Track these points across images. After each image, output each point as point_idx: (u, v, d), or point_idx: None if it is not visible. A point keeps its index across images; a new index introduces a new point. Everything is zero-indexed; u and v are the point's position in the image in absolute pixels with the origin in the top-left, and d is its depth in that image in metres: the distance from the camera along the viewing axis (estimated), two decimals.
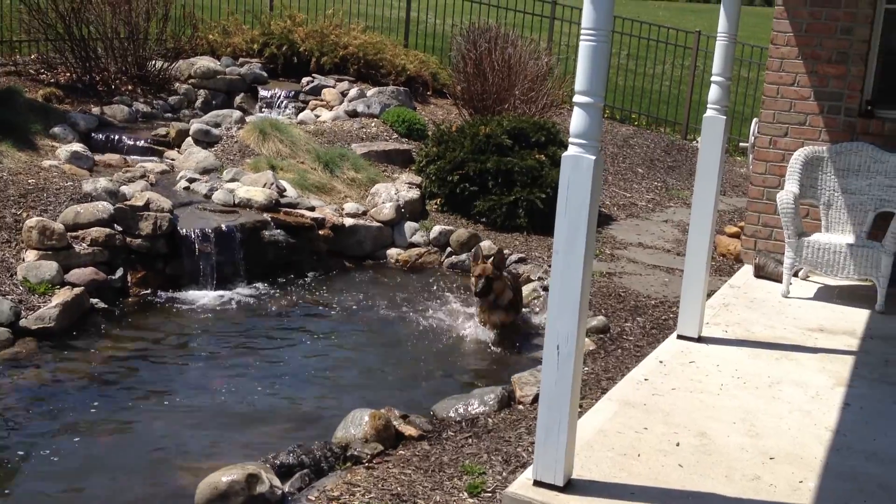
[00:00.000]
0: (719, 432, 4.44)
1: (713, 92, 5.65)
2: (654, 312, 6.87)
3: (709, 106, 5.66)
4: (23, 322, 6.04)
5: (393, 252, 8.58)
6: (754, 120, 8.09)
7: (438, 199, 9.35)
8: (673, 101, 14.81)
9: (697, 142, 11.40)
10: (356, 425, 4.61)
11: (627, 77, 15.15)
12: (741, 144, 12.57)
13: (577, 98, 3.51)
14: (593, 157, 3.50)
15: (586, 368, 5.57)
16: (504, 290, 6.61)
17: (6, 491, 4.26)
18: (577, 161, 3.52)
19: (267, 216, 7.91)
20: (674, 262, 8.34)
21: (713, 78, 5.65)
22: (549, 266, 7.57)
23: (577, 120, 3.53)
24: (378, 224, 8.65)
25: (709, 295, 6.41)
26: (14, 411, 5.07)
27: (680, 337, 5.74)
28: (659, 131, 14.43)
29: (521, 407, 5.14)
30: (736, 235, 8.72)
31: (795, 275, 7.20)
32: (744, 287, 7.07)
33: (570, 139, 3.54)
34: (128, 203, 7.31)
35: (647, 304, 7.06)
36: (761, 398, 4.91)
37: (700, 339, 5.72)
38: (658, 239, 9.29)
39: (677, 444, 4.27)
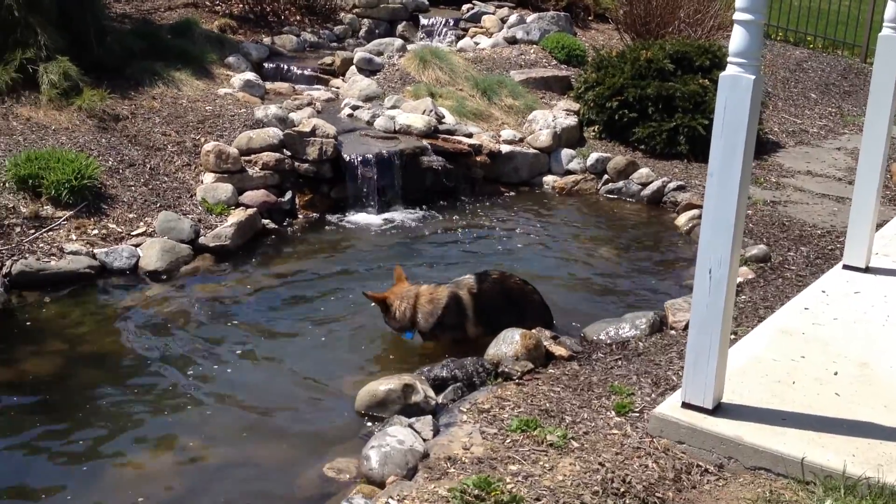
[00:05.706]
0: (882, 363, 4.30)
1: (890, 9, 5.31)
2: (820, 242, 6.62)
3: (885, 24, 5.34)
4: (201, 240, 6.49)
5: (549, 179, 8.60)
6: None
7: (596, 126, 9.24)
8: (853, 22, 13.84)
9: None
10: (507, 343, 4.75)
11: None
12: None
13: (736, 15, 3.42)
14: (752, 77, 3.42)
15: (744, 297, 5.48)
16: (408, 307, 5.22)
17: (202, 387, 4.68)
18: (735, 81, 3.44)
19: (425, 142, 8.08)
20: (844, 191, 7.95)
21: None
22: None
23: (736, 38, 3.44)
24: (534, 151, 8.66)
25: (880, 225, 6.12)
26: (196, 321, 5.51)
27: (846, 267, 5.52)
28: (836, 54, 13.59)
29: (672, 332, 5.13)
30: None
31: None
32: None
33: (729, 58, 3.46)
34: (296, 129, 7.65)
35: (812, 234, 6.81)
36: None
37: (867, 270, 5.48)
38: (829, 167, 8.87)
39: (835, 374, 4.17)
